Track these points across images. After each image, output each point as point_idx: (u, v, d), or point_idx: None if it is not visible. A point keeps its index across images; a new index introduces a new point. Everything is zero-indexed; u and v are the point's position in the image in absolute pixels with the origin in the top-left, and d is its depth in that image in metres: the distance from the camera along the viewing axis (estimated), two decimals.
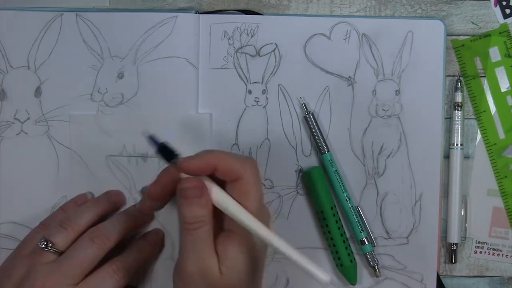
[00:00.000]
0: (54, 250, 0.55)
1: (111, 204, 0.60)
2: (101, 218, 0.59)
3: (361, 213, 0.62)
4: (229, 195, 0.50)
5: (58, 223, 0.56)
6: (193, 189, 0.50)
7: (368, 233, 0.62)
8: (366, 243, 0.61)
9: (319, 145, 0.61)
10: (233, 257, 0.50)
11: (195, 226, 0.49)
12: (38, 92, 0.61)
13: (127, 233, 0.58)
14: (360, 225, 0.61)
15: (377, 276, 0.62)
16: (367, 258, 0.62)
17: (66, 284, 0.54)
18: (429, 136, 0.62)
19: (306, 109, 0.62)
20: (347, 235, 0.62)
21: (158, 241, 0.61)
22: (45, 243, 0.55)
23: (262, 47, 0.62)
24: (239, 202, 0.50)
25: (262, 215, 0.51)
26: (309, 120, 0.61)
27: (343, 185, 0.61)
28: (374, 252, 0.62)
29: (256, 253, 0.51)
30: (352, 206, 0.61)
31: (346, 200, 0.61)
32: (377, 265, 0.62)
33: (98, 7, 0.62)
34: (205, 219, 0.50)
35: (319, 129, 0.61)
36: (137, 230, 0.60)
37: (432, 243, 0.63)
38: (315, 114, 0.62)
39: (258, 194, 0.51)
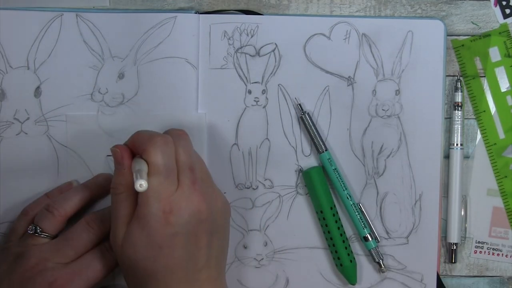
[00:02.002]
0: (44, 235, 0.56)
1: (99, 187, 0.60)
2: (91, 202, 0.60)
3: (363, 209, 0.62)
4: None
5: (44, 207, 0.57)
6: (116, 153, 0.52)
7: (371, 229, 0.62)
8: (370, 239, 0.61)
9: (316, 145, 0.61)
10: (129, 231, 0.51)
11: (112, 192, 0.52)
12: (37, 92, 0.61)
13: None
14: (362, 221, 0.61)
15: (382, 272, 0.62)
16: (372, 254, 0.62)
17: (58, 262, 0.55)
18: (429, 136, 0.62)
19: (302, 109, 0.62)
20: (348, 234, 0.62)
21: None
22: (34, 228, 0.56)
23: (262, 47, 0.62)
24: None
25: (165, 186, 0.50)
26: (305, 120, 0.61)
27: (343, 183, 0.61)
28: (378, 247, 0.62)
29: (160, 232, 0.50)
30: (353, 203, 0.61)
31: (347, 198, 0.61)
32: (382, 260, 0.62)
33: (98, 7, 0.62)
34: (119, 186, 0.52)
35: (315, 128, 0.61)
36: None
37: (432, 243, 0.63)
38: (315, 114, 0.62)
39: (157, 164, 0.50)
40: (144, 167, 0.50)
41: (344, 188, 0.61)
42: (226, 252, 0.56)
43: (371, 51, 0.62)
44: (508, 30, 0.63)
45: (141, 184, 0.48)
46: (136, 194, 0.51)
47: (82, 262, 0.55)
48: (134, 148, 0.52)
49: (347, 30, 0.62)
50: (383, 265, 0.62)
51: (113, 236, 0.52)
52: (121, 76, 0.61)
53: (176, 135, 0.53)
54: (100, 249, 0.56)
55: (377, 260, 0.62)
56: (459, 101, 0.62)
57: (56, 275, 0.54)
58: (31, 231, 0.56)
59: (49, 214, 0.57)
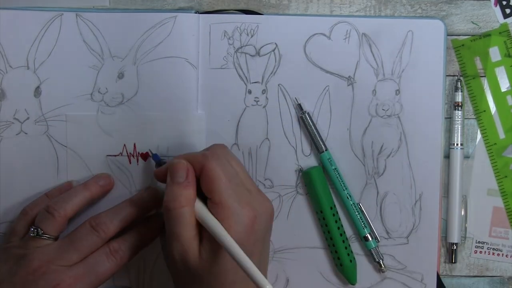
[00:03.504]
0: (46, 237, 0.56)
1: (99, 187, 0.60)
2: (91, 201, 0.60)
3: (363, 209, 0.62)
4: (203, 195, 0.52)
5: (45, 209, 0.57)
6: (181, 164, 0.52)
7: (371, 229, 0.62)
8: (370, 239, 0.62)
9: (316, 145, 0.61)
10: (212, 240, 0.50)
11: (174, 206, 0.51)
12: (37, 92, 0.61)
13: (130, 221, 0.58)
14: (362, 221, 0.61)
15: (382, 272, 0.62)
16: (372, 254, 0.62)
17: (62, 265, 0.55)
18: (429, 136, 0.62)
19: (301, 109, 0.62)
20: (348, 234, 0.62)
21: (158, 227, 0.60)
22: (36, 231, 0.56)
23: (262, 47, 0.62)
24: (207, 191, 0.51)
25: (237, 196, 0.51)
26: (305, 119, 0.61)
27: (343, 183, 0.61)
28: (378, 247, 0.62)
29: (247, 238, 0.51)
30: (353, 203, 0.61)
31: (347, 198, 0.61)
32: (382, 260, 0.62)
33: (98, 7, 0.62)
34: (183, 199, 0.51)
35: (316, 128, 0.61)
36: (140, 219, 0.60)
37: (432, 243, 0.63)
38: (315, 114, 0.62)
39: (223, 178, 0.51)
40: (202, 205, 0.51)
41: (344, 188, 0.61)
42: None
43: (371, 51, 0.62)
44: (508, 30, 0.63)
45: None
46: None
47: (85, 266, 0.55)
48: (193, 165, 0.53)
49: (347, 30, 0.62)
50: (383, 265, 0.62)
51: (180, 253, 0.51)
52: (120, 76, 0.61)
53: (219, 148, 0.54)
54: (104, 252, 0.56)
55: (377, 260, 0.62)
56: (459, 101, 0.62)
57: (59, 278, 0.54)
58: (33, 234, 0.56)
59: (49, 215, 0.56)
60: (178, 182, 0.52)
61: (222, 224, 0.50)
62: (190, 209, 0.51)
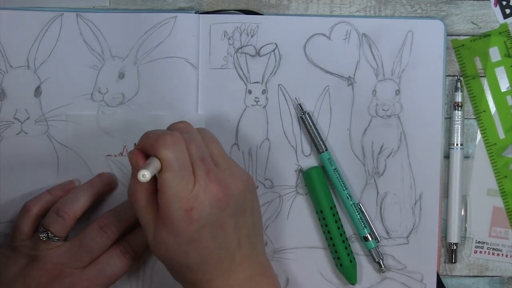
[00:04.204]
0: (56, 239, 0.56)
1: (105, 185, 0.60)
2: (97, 200, 0.60)
3: (363, 209, 0.62)
4: None
5: (54, 211, 0.57)
6: (131, 159, 0.51)
7: (371, 229, 0.62)
8: (370, 239, 0.61)
9: (316, 145, 0.61)
10: (157, 232, 0.51)
11: (132, 198, 0.52)
12: (38, 92, 0.61)
13: (136, 219, 0.58)
14: (362, 221, 0.61)
15: (382, 272, 0.62)
16: (372, 255, 0.62)
17: (75, 267, 0.55)
18: (429, 136, 0.62)
19: (302, 109, 0.62)
20: (348, 234, 0.62)
21: None
22: (46, 235, 0.56)
23: (262, 47, 0.62)
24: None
25: (183, 185, 0.49)
26: (305, 120, 0.61)
27: (343, 183, 0.61)
28: (378, 247, 0.62)
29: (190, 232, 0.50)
30: (353, 203, 0.61)
31: (347, 198, 0.61)
32: (382, 260, 0.62)
33: (98, 7, 0.62)
34: (138, 195, 0.51)
35: (316, 128, 0.61)
36: None
37: (432, 243, 0.63)
38: (315, 114, 0.62)
39: (171, 165, 0.49)
40: (156, 163, 0.49)
41: (344, 188, 0.61)
42: (259, 225, 0.56)
43: (371, 51, 0.62)
44: (508, 30, 0.63)
45: (144, 175, 0.46)
46: (157, 195, 0.51)
47: (98, 268, 0.56)
48: (146, 150, 0.51)
49: (347, 30, 0.62)
50: (383, 265, 0.62)
51: (146, 237, 0.52)
52: (121, 76, 0.61)
53: (181, 130, 0.52)
54: (116, 254, 0.57)
55: (377, 260, 0.62)
56: (459, 101, 0.63)
57: (74, 281, 0.55)
58: (43, 238, 0.56)
59: (59, 218, 0.56)
60: (133, 174, 0.51)
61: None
62: (144, 202, 0.51)
